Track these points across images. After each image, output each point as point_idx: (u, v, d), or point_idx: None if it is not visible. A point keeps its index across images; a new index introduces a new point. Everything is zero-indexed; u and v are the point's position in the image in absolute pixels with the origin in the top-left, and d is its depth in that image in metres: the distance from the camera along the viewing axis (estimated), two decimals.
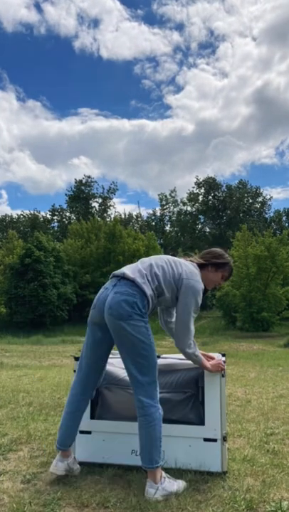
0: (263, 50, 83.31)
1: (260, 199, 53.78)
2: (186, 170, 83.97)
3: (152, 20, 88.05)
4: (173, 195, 53.15)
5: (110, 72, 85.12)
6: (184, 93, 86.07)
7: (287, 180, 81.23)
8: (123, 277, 2.38)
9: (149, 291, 2.35)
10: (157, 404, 2.31)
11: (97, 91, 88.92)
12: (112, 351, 2.64)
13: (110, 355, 2.68)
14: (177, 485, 2.28)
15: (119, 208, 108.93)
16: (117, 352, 2.42)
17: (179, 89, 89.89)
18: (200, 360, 2.50)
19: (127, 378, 2.43)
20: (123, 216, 51.30)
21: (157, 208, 53.74)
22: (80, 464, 2.63)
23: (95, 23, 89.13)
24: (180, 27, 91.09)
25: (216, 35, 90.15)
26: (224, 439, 2.50)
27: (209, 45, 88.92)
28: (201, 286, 2.45)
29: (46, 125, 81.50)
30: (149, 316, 2.38)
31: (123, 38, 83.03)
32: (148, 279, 2.39)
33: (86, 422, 2.67)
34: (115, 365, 2.84)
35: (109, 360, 2.81)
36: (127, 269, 2.44)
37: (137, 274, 2.38)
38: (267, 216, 53.25)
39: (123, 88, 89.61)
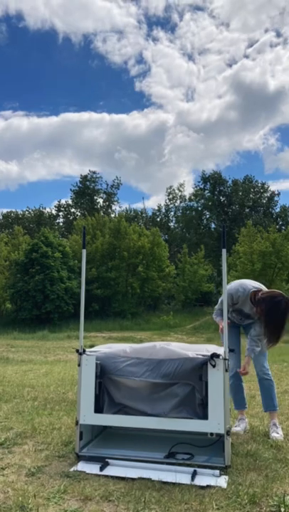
0: (227, 32, 73.95)
1: (267, 194, 53.38)
2: (164, 163, 74.84)
3: None
4: (181, 189, 52.79)
5: (69, 48, 70.99)
6: (154, 77, 76.73)
7: (277, 172, 75.37)
8: None
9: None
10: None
11: (58, 72, 74.02)
12: (111, 345, 2.66)
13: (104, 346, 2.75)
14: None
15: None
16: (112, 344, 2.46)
17: (148, 68, 78.85)
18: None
19: (128, 368, 2.58)
20: (128, 212, 51.14)
21: (162, 203, 53.29)
22: (84, 457, 2.65)
23: None
24: None
25: (172, 9, 76.60)
26: (227, 433, 2.51)
27: (169, 19, 74.62)
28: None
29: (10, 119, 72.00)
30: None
31: (74, 4, 71.82)
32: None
33: (90, 415, 2.69)
34: (113, 351, 2.85)
35: (106, 350, 2.86)
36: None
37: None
38: (273, 212, 52.85)
39: (86, 67, 74.70)
